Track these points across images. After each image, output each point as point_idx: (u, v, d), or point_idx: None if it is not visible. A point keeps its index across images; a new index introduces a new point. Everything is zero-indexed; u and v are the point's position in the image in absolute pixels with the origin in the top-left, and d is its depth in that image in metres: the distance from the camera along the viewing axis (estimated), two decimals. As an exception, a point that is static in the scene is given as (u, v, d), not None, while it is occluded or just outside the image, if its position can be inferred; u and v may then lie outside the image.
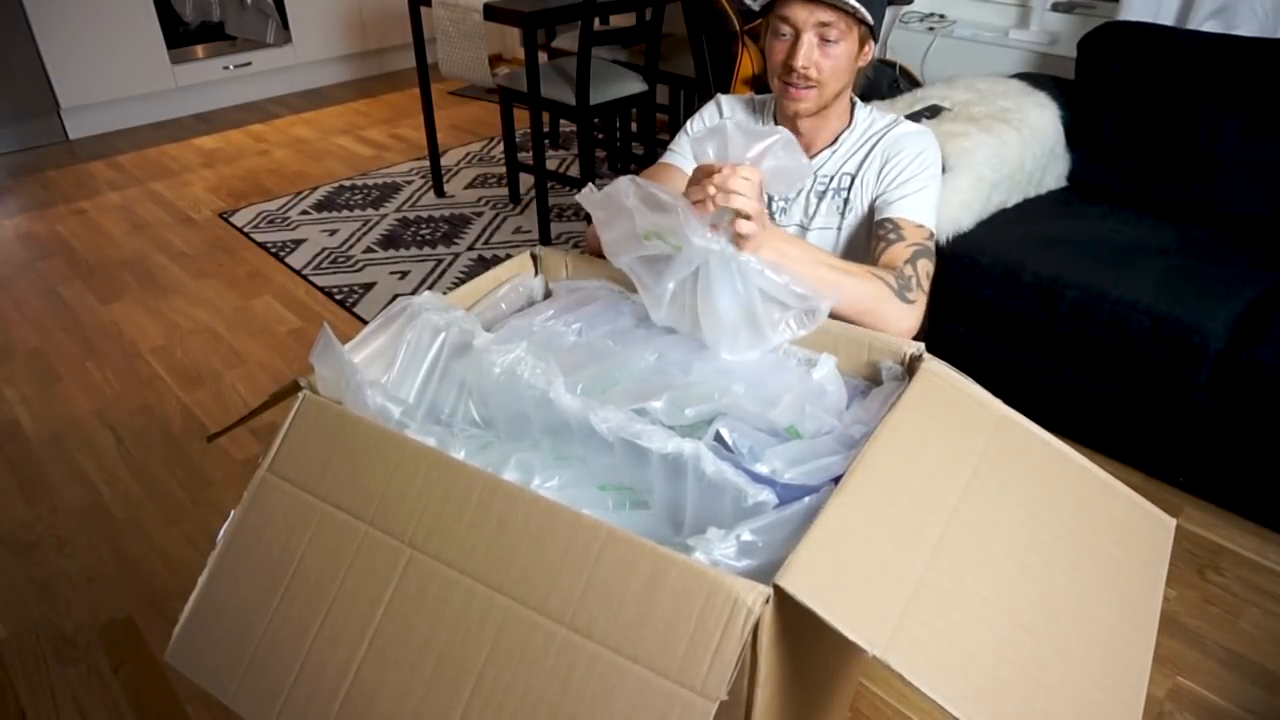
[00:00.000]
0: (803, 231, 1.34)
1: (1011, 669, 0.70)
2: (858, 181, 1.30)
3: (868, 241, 1.33)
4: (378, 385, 0.96)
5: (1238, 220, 2.14)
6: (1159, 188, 2.26)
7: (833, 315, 1.08)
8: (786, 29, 1.21)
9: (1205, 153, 2.16)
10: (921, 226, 1.24)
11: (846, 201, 1.31)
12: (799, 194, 1.34)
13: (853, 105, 1.33)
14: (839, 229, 1.33)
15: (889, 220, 1.24)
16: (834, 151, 1.32)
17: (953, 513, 0.80)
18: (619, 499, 0.95)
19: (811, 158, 1.33)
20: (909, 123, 1.31)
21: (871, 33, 1.22)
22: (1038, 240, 2.04)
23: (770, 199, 1.36)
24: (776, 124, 1.35)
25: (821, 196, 1.33)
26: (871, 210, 1.30)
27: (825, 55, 1.20)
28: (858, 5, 1.16)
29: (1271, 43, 2.09)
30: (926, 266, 1.20)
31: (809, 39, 1.19)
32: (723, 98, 1.41)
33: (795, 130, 1.32)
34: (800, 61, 1.20)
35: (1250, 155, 2.11)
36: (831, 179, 1.32)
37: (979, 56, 2.86)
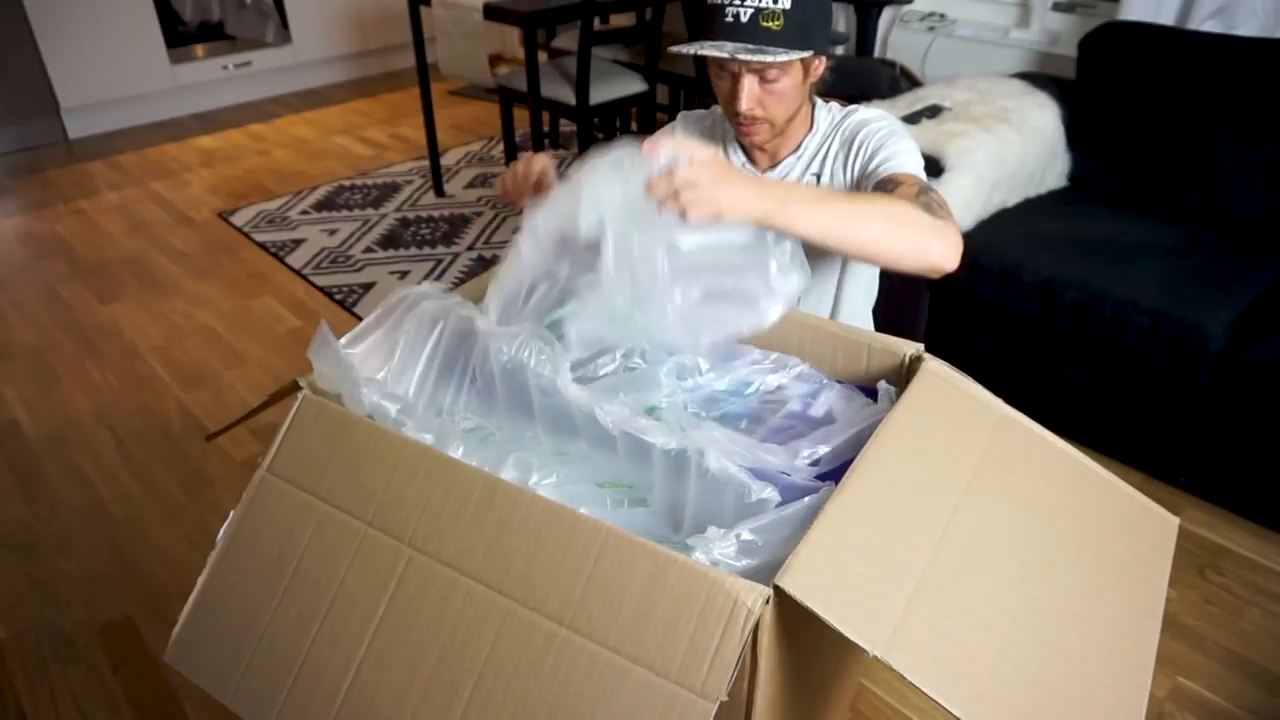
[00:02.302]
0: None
1: (1013, 668, 0.70)
2: (825, 178, 1.29)
3: None
4: (374, 383, 0.96)
5: (1238, 220, 2.14)
6: (1159, 187, 2.26)
7: (867, 260, 1.03)
8: (725, 70, 1.18)
9: (1205, 153, 2.16)
10: (918, 177, 1.18)
11: None
12: None
13: (813, 107, 1.31)
14: None
15: (885, 180, 1.18)
16: (799, 157, 1.30)
17: (954, 512, 0.80)
18: (617, 496, 0.95)
19: (776, 165, 1.31)
20: (864, 108, 1.28)
21: (817, 53, 1.18)
22: (1038, 240, 2.04)
23: None
24: (738, 142, 1.33)
25: None
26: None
27: (768, 93, 1.17)
28: (786, 51, 1.10)
29: (1272, 43, 2.09)
30: (939, 198, 1.11)
31: (749, 80, 1.16)
32: (679, 118, 1.40)
33: (758, 148, 1.31)
34: (744, 105, 1.17)
35: (1250, 155, 2.11)
36: (800, 181, 1.31)
37: (979, 56, 2.85)
